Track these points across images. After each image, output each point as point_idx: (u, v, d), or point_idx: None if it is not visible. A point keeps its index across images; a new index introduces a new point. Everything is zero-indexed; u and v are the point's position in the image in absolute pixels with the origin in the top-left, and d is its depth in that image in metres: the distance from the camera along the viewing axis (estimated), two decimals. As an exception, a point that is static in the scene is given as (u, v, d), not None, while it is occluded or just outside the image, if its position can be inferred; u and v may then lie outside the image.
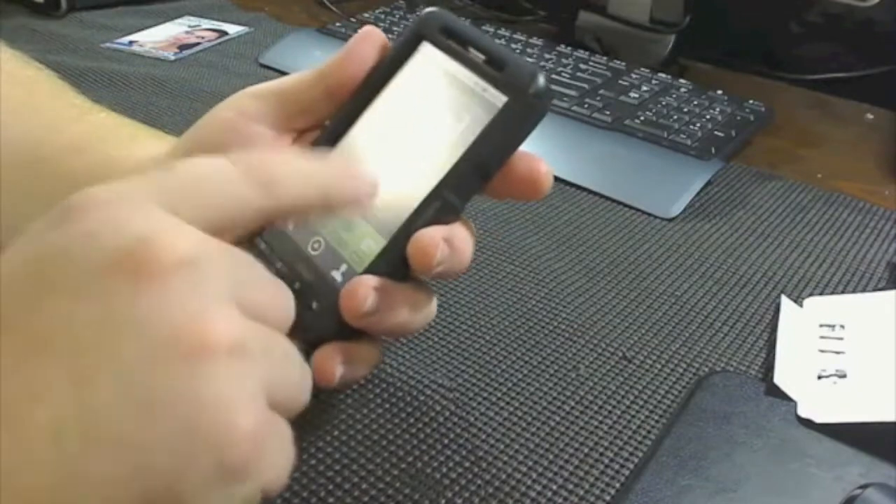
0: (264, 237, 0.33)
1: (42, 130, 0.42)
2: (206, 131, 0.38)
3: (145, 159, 0.40)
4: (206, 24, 0.86)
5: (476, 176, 0.33)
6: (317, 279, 0.33)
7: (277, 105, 0.36)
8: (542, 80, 0.32)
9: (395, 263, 0.33)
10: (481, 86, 0.33)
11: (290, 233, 0.34)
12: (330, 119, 0.36)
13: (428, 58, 0.35)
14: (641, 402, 0.41)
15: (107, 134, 0.42)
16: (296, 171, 0.30)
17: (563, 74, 0.73)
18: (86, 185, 0.39)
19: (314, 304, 0.33)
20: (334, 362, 0.32)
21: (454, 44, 0.35)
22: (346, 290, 0.31)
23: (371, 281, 0.32)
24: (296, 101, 0.36)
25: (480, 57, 0.34)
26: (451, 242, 0.32)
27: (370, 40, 0.36)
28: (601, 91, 0.70)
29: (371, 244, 0.33)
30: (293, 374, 0.27)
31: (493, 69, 0.33)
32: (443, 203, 0.32)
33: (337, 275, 0.33)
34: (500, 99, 0.32)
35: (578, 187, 0.60)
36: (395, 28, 0.81)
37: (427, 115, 0.34)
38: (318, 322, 0.32)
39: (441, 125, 0.34)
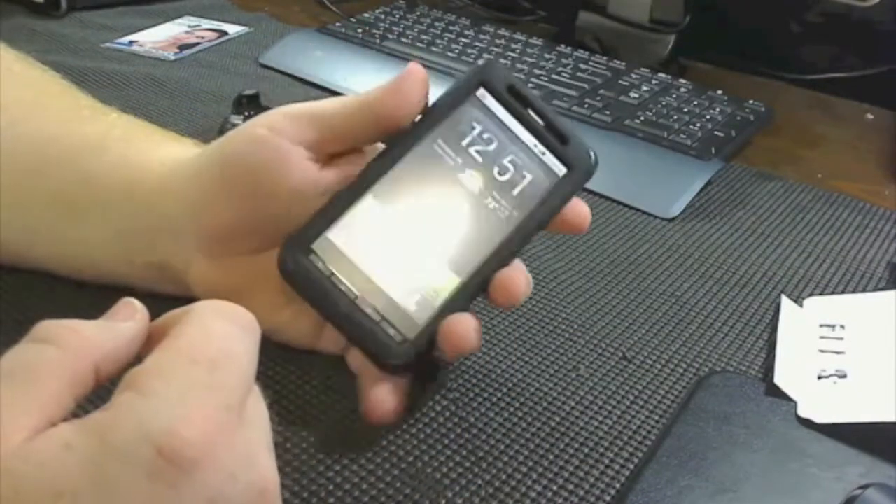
0: (321, 255, 0.36)
1: (53, 130, 0.42)
2: (236, 145, 0.37)
3: (168, 161, 0.40)
4: (206, 24, 0.86)
5: (535, 229, 0.38)
6: (392, 307, 0.36)
7: (313, 127, 0.36)
8: (594, 158, 0.39)
9: (468, 300, 0.37)
10: (541, 150, 0.38)
11: (349, 254, 0.36)
12: (388, 146, 0.38)
13: (486, 107, 0.38)
14: (641, 402, 0.41)
15: (124, 133, 0.42)
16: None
17: (563, 74, 0.73)
18: (105, 185, 0.40)
19: (392, 332, 0.35)
20: (396, 397, 0.36)
21: (515, 102, 0.38)
22: (454, 329, 0.35)
23: (473, 321, 0.36)
24: (333, 126, 0.37)
25: (540, 122, 0.38)
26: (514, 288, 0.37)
27: (417, 77, 0.36)
28: (601, 91, 0.70)
29: (445, 280, 0.36)
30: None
31: (554, 139, 0.38)
32: (510, 253, 0.37)
33: (411, 304, 0.36)
34: (560, 168, 0.38)
35: (578, 187, 0.60)
36: (394, 28, 0.81)
37: (488, 162, 0.38)
38: (399, 350, 0.35)
39: (504, 176, 0.38)
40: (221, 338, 0.26)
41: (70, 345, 0.25)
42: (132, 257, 0.40)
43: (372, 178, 0.37)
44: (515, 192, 0.37)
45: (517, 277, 0.37)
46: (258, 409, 0.27)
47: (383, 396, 0.35)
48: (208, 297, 0.38)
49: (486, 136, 0.38)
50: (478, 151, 0.38)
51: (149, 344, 0.27)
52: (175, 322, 0.27)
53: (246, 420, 0.25)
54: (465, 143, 0.38)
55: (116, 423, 0.23)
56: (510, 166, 0.38)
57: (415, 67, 0.37)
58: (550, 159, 0.38)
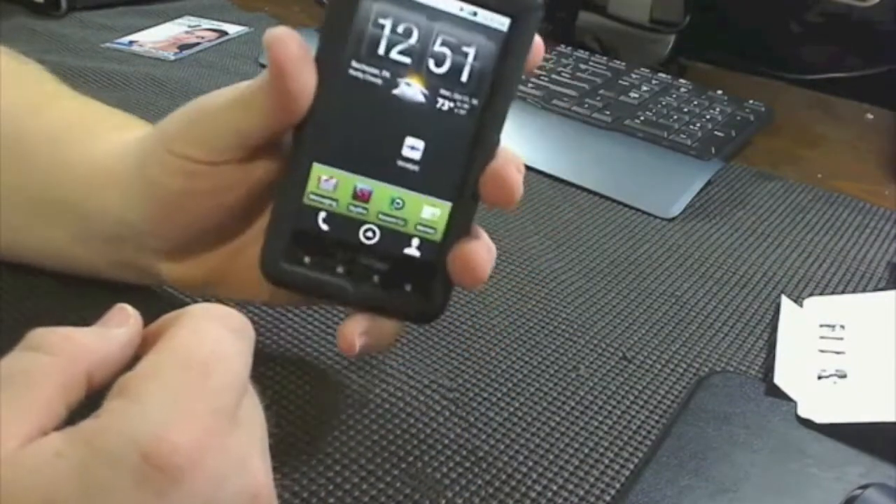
0: (301, 248, 0.32)
1: (23, 119, 0.41)
2: (148, 172, 0.35)
3: (104, 157, 0.38)
4: (206, 24, 0.86)
5: (506, 104, 0.32)
6: (395, 264, 0.33)
7: (208, 148, 0.33)
8: None
9: (469, 217, 0.33)
10: (470, 11, 0.31)
11: (329, 233, 0.32)
12: (313, 104, 0.31)
13: None
14: (641, 403, 0.41)
15: (70, 124, 0.41)
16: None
17: (563, 74, 0.73)
18: (63, 183, 0.39)
19: (408, 287, 0.33)
20: (355, 335, 0.33)
21: None
22: (468, 259, 0.32)
23: (486, 244, 0.33)
24: (230, 141, 0.33)
25: None
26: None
27: (290, 46, 0.30)
28: (601, 91, 0.70)
29: (435, 210, 0.33)
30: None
31: None
32: (488, 143, 0.32)
33: (413, 251, 0.33)
34: (501, 21, 0.31)
35: (578, 187, 0.60)
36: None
37: (417, 58, 0.31)
38: (425, 300, 0.33)
39: (443, 66, 0.31)
40: (213, 341, 0.26)
41: (62, 351, 0.25)
42: (98, 258, 0.40)
43: (307, 146, 0.32)
44: (464, 76, 0.31)
45: (477, 251, 0.32)
46: (252, 413, 0.27)
47: (352, 327, 0.33)
48: (183, 289, 0.37)
49: (401, 28, 0.31)
50: (401, 52, 0.31)
51: (143, 348, 0.27)
52: (168, 326, 0.27)
53: (239, 423, 0.25)
54: (382, 50, 0.31)
55: (105, 429, 0.23)
56: (445, 50, 0.31)
57: (277, 42, 0.29)
58: (486, 16, 0.31)
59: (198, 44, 0.81)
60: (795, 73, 0.82)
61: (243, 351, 0.26)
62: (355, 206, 0.32)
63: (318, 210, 0.32)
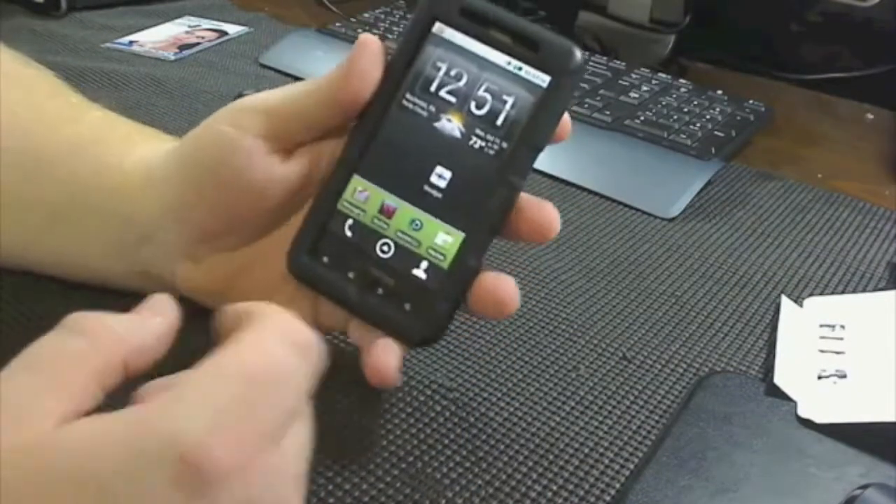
0: (323, 248, 0.35)
1: (42, 131, 0.42)
2: (203, 146, 0.37)
3: (142, 164, 0.39)
4: (206, 24, 0.86)
5: (532, 154, 0.35)
6: (400, 282, 0.35)
7: (275, 120, 0.36)
8: (579, 54, 0.34)
9: (479, 252, 0.34)
10: (515, 66, 0.34)
11: (351, 240, 0.36)
12: (358, 121, 0.36)
13: (447, 41, 0.35)
14: (641, 402, 0.41)
15: (100, 135, 0.42)
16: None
17: (563, 74, 0.73)
18: (83, 193, 0.39)
19: (408, 307, 0.35)
20: (392, 367, 0.34)
21: (474, 24, 0.35)
22: (497, 291, 0.34)
23: (511, 282, 0.34)
24: (295, 117, 0.36)
25: (507, 38, 0.34)
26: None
27: (371, 50, 0.35)
28: (601, 91, 0.70)
29: (448, 238, 0.35)
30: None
31: (526, 49, 0.34)
32: (510, 187, 0.34)
33: (421, 273, 0.35)
34: (541, 78, 0.34)
35: (578, 187, 0.60)
36: (395, 28, 0.81)
37: (462, 99, 0.35)
38: (419, 323, 0.35)
39: (485, 109, 0.35)
40: (275, 358, 0.25)
41: (99, 337, 0.25)
42: (114, 265, 0.40)
43: (352, 158, 0.35)
44: (499, 121, 0.34)
45: (503, 285, 0.34)
46: (299, 440, 0.26)
47: (383, 358, 0.34)
48: (194, 296, 0.37)
49: (453, 72, 0.35)
50: (449, 92, 0.35)
51: (219, 337, 0.27)
52: (238, 325, 0.26)
53: (282, 450, 0.25)
54: (433, 88, 0.35)
55: (147, 420, 0.23)
56: (487, 96, 0.34)
57: (366, 40, 0.35)
58: (529, 72, 0.34)
59: (198, 44, 0.81)
60: (795, 73, 0.82)
61: (304, 373, 0.26)
62: (379, 219, 0.35)
63: (347, 217, 0.35)
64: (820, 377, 0.41)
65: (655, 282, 0.50)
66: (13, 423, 0.23)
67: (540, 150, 0.35)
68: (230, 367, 0.25)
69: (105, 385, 0.25)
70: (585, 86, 0.71)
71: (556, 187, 0.60)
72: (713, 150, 0.63)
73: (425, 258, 0.35)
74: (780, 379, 0.41)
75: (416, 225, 0.35)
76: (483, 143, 0.34)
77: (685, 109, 0.68)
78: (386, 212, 0.35)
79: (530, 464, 0.37)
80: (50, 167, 0.40)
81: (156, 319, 0.27)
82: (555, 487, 0.36)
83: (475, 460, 0.36)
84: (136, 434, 0.23)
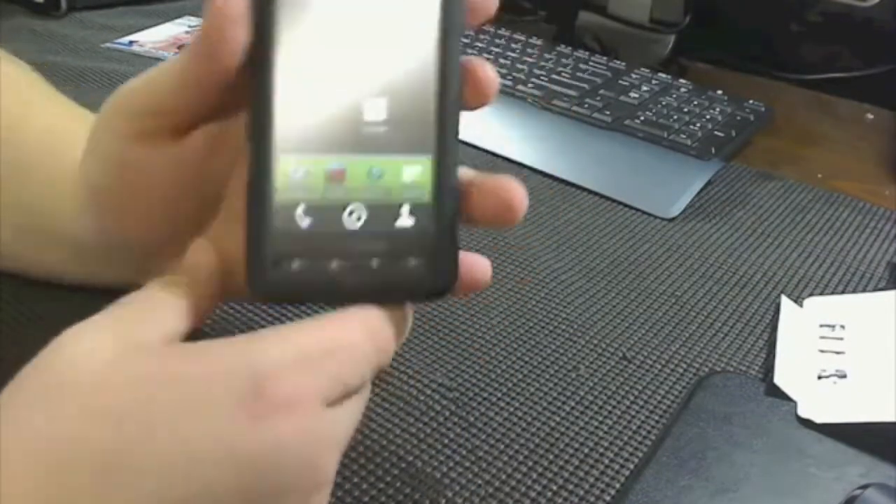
0: (286, 252, 0.29)
1: (11, 131, 0.41)
2: (94, 169, 0.35)
3: (72, 189, 0.37)
4: (206, 24, 0.86)
5: (457, 38, 0.30)
6: (391, 241, 0.30)
7: (157, 112, 0.33)
8: None
9: (454, 165, 0.30)
10: None
11: (312, 227, 0.29)
12: (250, 101, 0.30)
13: None
14: (641, 402, 0.41)
15: (58, 132, 0.41)
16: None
17: (563, 74, 0.73)
18: (51, 201, 0.38)
19: (412, 262, 0.29)
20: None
21: None
22: (498, 188, 0.30)
23: (512, 181, 0.30)
24: (168, 95, 0.32)
25: None
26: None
27: (228, 13, 0.30)
28: (601, 91, 0.70)
29: (418, 168, 0.30)
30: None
31: None
32: (452, 78, 0.30)
33: (406, 221, 0.30)
34: None
35: (578, 187, 0.60)
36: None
37: (358, 21, 0.30)
38: (432, 271, 0.30)
39: (384, 20, 0.30)
40: (354, 342, 0.27)
41: (194, 278, 0.29)
42: (98, 278, 0.39)
43: (265, 141, 0.29)
44: (406, 24, 0.30)
45: (506, 184, 0.30)
46: (350, 414, 0.28)
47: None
48: None
49: (332, 5, 0.30)
50: (335, 21, 0.30)
51: None
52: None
53: (333, 414, 0.27)
54: (315, 22, 0.30)
55: (223, 346, 0.26)
56: (378, 4, 0.30)
57: (219, 3, 0.30)
58: None
59: (198, 44, 0.81)
60: (795, 73, 0.82)
61: (370, 362, 0.28)
62: (331, 189, 0.30)
63: (293, 205, 0.29)
64: (820, 377, 0.41)
65: (655, 282, 0.50)
66: (135, 323, 0.26)
67: (463, 30, 0.30)
68: (313, 329, 0.27)
69: (183, 330, 0.28)
70: (585, 86, 0.71)
71: (556, 187, 0.60)
72: (713, 150, 0.63)
73: (405, 202, 0.30)
74: (780, 379, 0.41)
75: (376, 173, 0.30)
76: (400, 53, 0.30)
77: (685, 109, 0.68)
78: (335, 177, 0.30)
79: (530, 464, 0.37)
80: (29, 169, 0.39)
81: (206, 267, 0.30)
82: (555, 487, 0.36)
83: (475, 460, 0.36)
84: (211, 356, 0.25)
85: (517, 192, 0.30)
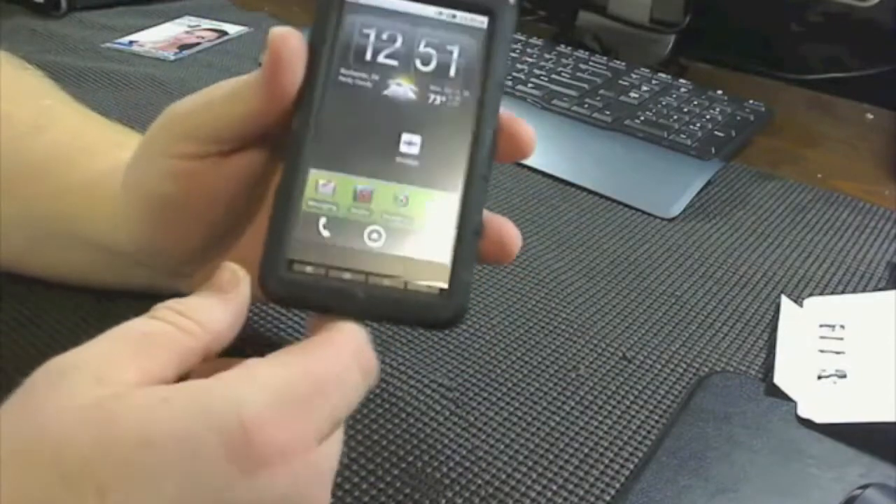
0: (302, 258, 0.30)
1: (25, 140, 0.41)
2: (141, 182, 0.36)
3: (105, 192, 0.38)
4: (206, 24, 0.86)
5: (498, 92, 0.33)
6: (407, 267, 0.31)
7: (204, 129, 0.34)
8: None
9: (479, 205, 0.32)
10: (449, 14, 0.33)
11: (332, 240, 0.31)
12: (296, 113, 0.32)
13: (365, 5, 0.33)
14: (641, 402, 0.41)
15: (75, 141, 0.41)
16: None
17: (563, 74, 0.73)
18: (71, 205, 0.38)
19: (424, 288, 0.30)
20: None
21: None
22: (502, 234, 0.32)
23: (509, 223, 0.33)
24: (224, 121, 0.33)
25: None
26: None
27: (289, 46, 0.31)
28: (601, 91, 0.70)
29: (443, 203, 0.31)
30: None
31: None
32: (490, 129, 0.32)
33: (425, 250, 0.31)
34: (479, 20, 0.33)
35: (578, 187, 0.60)
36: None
37: (405, 60, 0.33)
38: (442, 302, 0.31)
39: (433, 64, 0.33)
40: (345, 371, 0.27)
41: (185, 325, 0.27)
42: (111, 283, 0.40)
43: (302, 152, 0.31)
44: (452, 72, 0.32)
45: (507, 228, 0.33)
46: (335, 446, 0.28)
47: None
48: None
49: (385, 36, 0.33)
50: (388, 56, 0.32)
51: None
52: (320, 330, 0.28)
53: (323, 449, 0.26)
54: (368, 56, 0.32)
55: (213, 389, 0.24)
56: (430, 50, 0.33)
57: (280, 36, 0.30)
58: (464, 17, 0.33)
59: (198, 44, 0.81)
60: (795, 73, 0.82)
61: (360, 391, 0.28)
62: (357, 208, 0.31)
63: (318, 216, 0.31)
64: (820, 377, 0.41)
65: (655, 282, 0.50)
66: (93, 381, 0.24)
67: (503, 85, 0.33)
68: (301, 364, 0.26)
69: (182, 369, 0.26)
70: (585, 86, 0.71)
71: (556, 187, 0.60)
72: (713, 150, 0.63)
73: (425, 232, 0.31)
74: (780, 379, 0.41)
75: (402, 200, 0.32)
76: (444, 98, 0.32)
77: (685, 109, 0.68)
78: (362, 197, 0.31)
79: (530, 464, 0.37)
80: (36, 180, 0.39)
81: (231, 303, 0.28)
82: (555, 487, 0.36)
83: (475, 460, 0.36)
84: (201, 401, 0.24)
85: (514, 235, 0.33)
